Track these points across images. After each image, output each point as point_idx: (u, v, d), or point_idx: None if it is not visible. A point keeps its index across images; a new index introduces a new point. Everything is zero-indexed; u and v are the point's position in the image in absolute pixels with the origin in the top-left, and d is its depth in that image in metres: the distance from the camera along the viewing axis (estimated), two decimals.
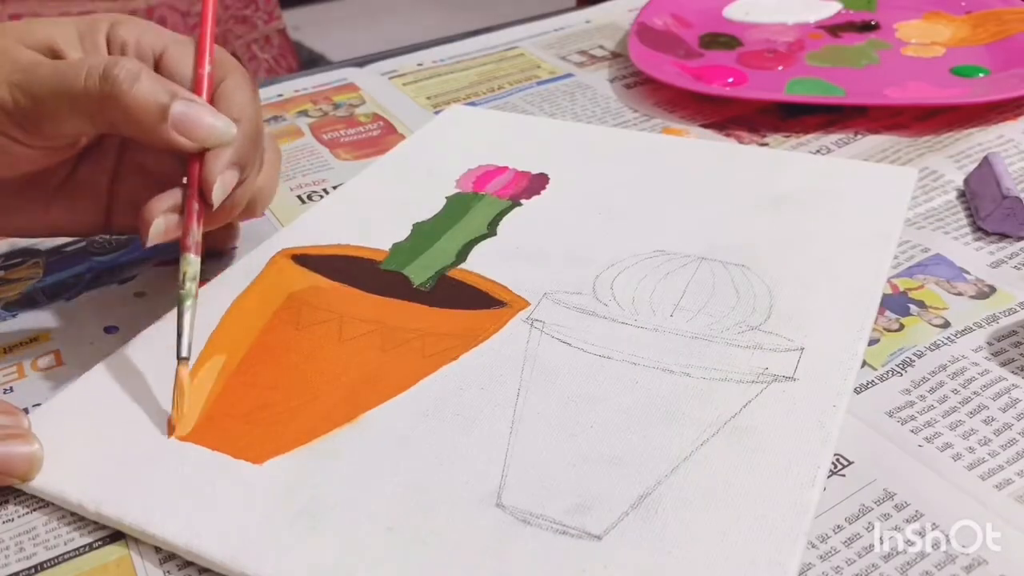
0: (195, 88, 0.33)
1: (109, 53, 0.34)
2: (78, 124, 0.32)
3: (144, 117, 0.31)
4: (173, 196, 0.32)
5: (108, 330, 0.36)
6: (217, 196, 0.32)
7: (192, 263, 0.32)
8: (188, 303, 0.31)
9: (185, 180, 0.33)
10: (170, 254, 0.41)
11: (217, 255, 0.40)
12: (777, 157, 0.45)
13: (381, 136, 0.51)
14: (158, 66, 0.34)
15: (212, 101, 0.33)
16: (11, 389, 0.34)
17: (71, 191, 0.36)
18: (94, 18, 0.34)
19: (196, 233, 0.32)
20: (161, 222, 0.32)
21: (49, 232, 0.38)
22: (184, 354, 0.30)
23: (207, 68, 0.34)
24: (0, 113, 0.30)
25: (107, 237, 0.42)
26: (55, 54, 0.33)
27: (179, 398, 0.30)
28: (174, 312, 0.31)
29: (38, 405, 0.32)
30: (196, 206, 0.32)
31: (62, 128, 0.32)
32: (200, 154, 0.32)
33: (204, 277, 0.38)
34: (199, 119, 0.31)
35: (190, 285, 0.32)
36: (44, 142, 0.32)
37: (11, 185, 0.34)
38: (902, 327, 0.34)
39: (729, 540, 0.25)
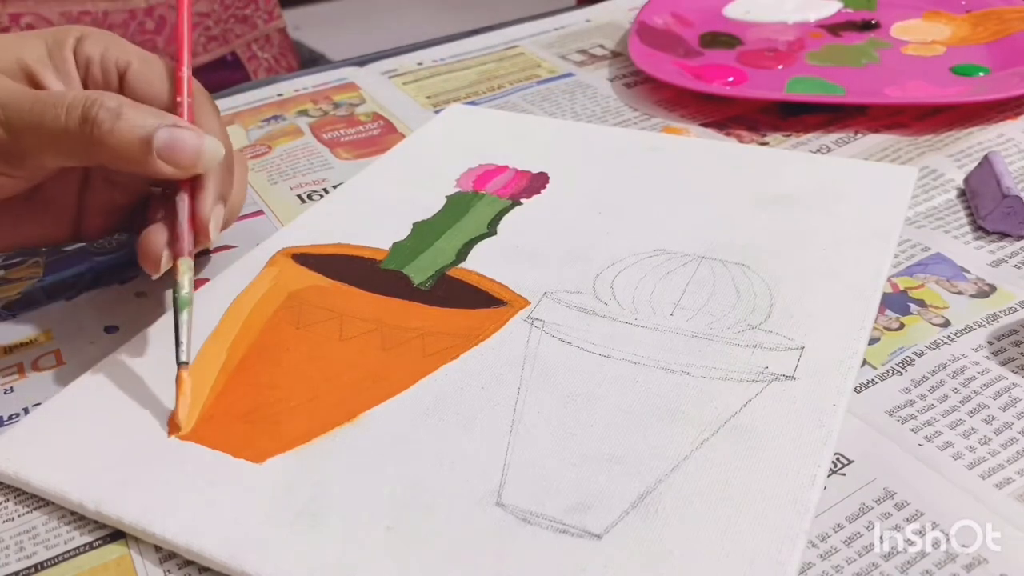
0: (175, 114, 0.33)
1: (77, 68, 0.34)
2: (62, 160, 0.31)
3: (129, 154, 0.30)
4: (165, 228, 0.32)
5: (108, 330, 0.36)
6: (213, 234, 0.33)
7: (191, 268, 0.32)
8: (187, 309, 0.31)
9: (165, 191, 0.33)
10: None
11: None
12: (777, 156, 0.45)
13: (381, 135, 0.51)
14: (122, 82, 0.34)
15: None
16: (11, 389, 0.34)
17: (41, 206, 0.35)
18: (60, 31, 0.34)
19: (190, 242, 0.32)
20: (165, 255, 0.32)
21: (18, 246, 0.38)
22: (184, 359, 0.30)
23: (186, 97, 0.33)
24: None
25: (107, 236, 0.42)
26: (29, 75, 0.32)
27: (182, 400, 0.30)
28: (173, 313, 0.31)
29: (38, 405, 0.32)
30: (186, 215, 0.32)
31: (45, 163, 0.31)
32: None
33: (205, 276, 0.38)
34: (184, 146, 0.31)
35: (188, 289, 0.32)
36: (26, 174, 0.32)
37: None
38: (902, 326, 0.34)
39: (729, 539, 0.25)
